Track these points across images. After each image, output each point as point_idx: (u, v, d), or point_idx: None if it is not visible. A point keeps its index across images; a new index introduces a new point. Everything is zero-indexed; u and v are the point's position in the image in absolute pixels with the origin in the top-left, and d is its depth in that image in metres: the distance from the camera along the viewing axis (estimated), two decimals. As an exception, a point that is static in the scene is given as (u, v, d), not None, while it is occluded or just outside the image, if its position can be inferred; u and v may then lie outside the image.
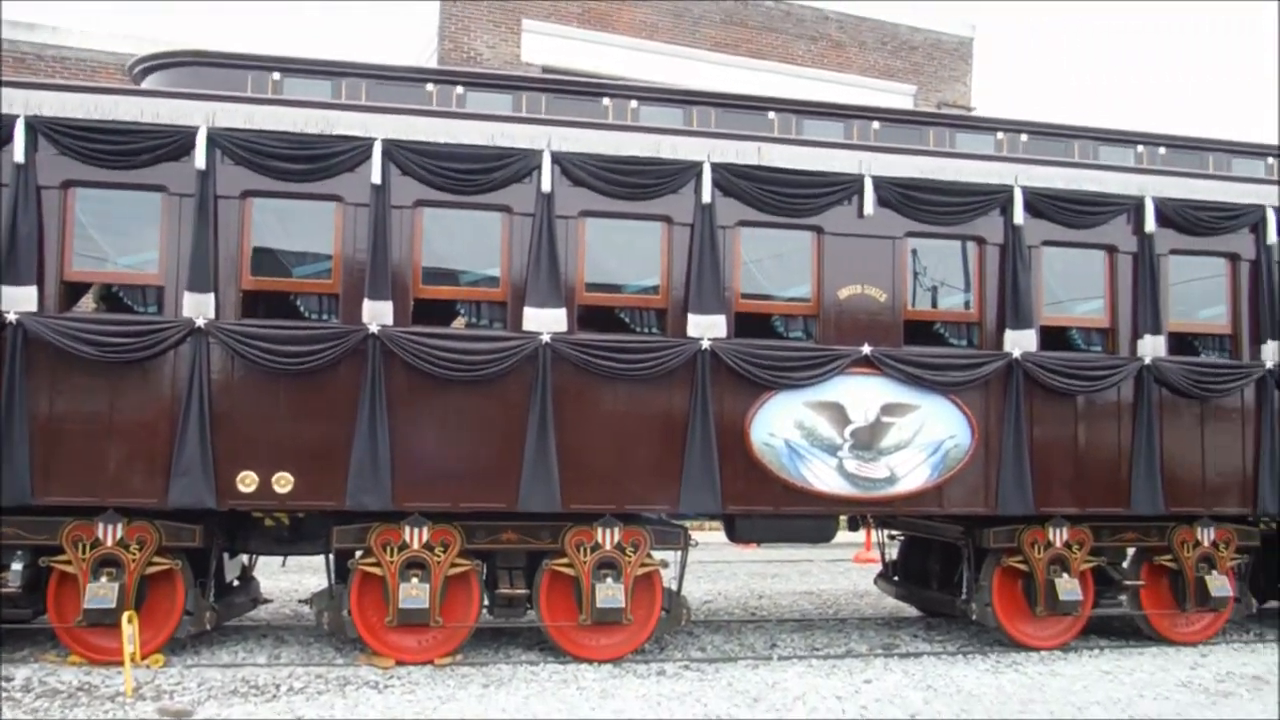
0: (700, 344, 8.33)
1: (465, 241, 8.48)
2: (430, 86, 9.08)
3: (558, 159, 8.18)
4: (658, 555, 8.70)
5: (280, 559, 9.81)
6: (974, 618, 9.29)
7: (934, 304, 9.36)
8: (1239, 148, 10.86)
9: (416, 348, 7.92)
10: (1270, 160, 10.78)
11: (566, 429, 8.18)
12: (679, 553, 8.89)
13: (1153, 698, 7.70)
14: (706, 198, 8.36)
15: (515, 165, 8.14)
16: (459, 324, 8.88)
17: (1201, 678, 8.37)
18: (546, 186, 8.13)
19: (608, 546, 8.43)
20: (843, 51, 22.69)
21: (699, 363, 8.34)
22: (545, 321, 8.12)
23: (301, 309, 8.30)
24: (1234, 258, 9.66)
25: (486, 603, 8.68)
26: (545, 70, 18.99)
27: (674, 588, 8.85)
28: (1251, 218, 9.53)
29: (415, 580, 8.08)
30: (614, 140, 8.26)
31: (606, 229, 8.53)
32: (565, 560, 8.39)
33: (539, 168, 8.14)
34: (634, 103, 9.46)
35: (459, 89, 9.12)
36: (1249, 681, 8.28)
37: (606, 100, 9.44)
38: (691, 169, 8.37)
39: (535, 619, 8.56)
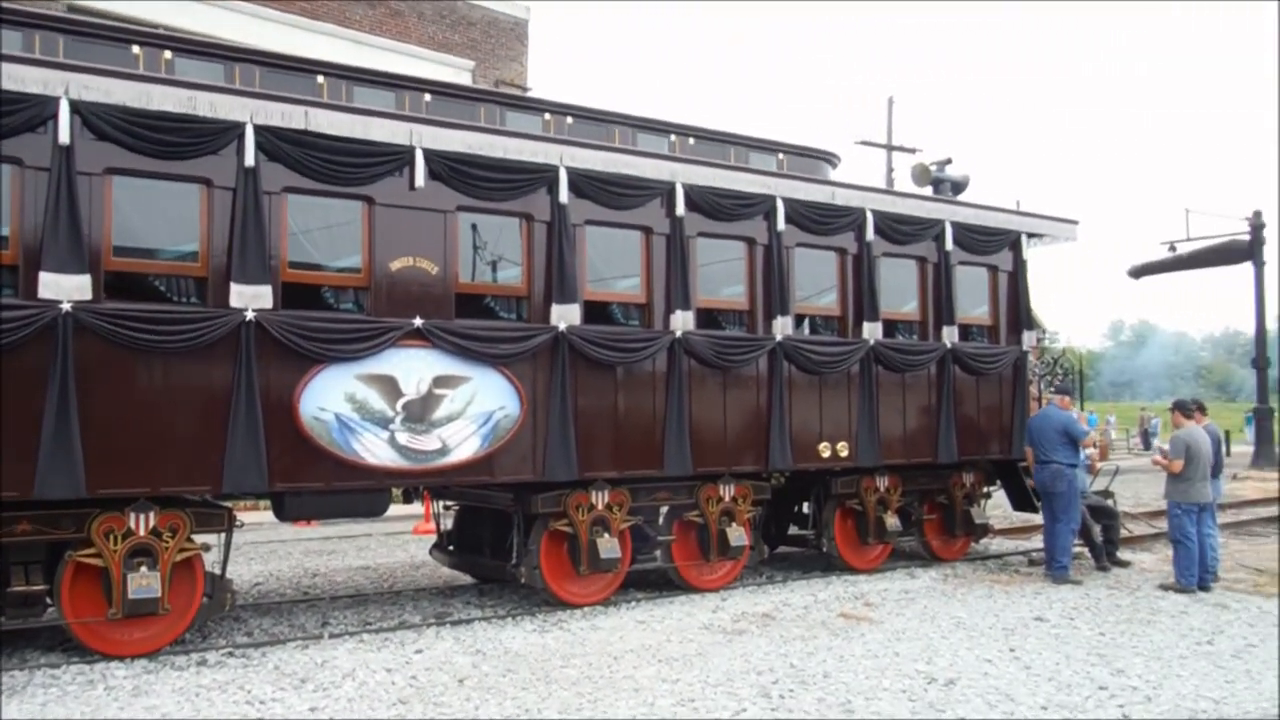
0: (244, 315, 7.94)
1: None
2: (-87, 16, 7.86)
3: (78, 109, 7.40)
4: (200, 539, 8.23)
5: None
6: (524, 581, 9.67)
7: (485, 277, 9.58)
8: (756, 143, 12.10)
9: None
10: (781, 156, 12.10)
11: (93, 407, 7.48)
12: (223, 535, 8.47)
13: (679, 641, 8.44)
14: (249, 161, 7.95)
15: (26, 113, 7.25)
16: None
17: (721, 619, 9.29)
18: (64, 139, 7.33)
19: (142, 533, 7.83)
20: (401, 20, 22.47)
21: (243, 335, 7.94)
22: (65, 289, 7.34)
23: None
24: (751, 242, 10.74)
25: (-4, 603, 7.77)
26: (71, 9, 17.09)
27: (218, 572, 8.42)
28: (765, 206, 10.65)
29: (-100, 584, 7.04)
30: (143, 93, 7.58)
31: (137, 189, 7.87)
32: (93, 550, 7.69)
33: (55, 117, 7.32)
34: (169, 53, 8.77)
35: (-48, 21, 7.98)
36: (759, 619, 9.31)
37: (137, 48, 8.68)
38: (233, 130, 7.91)
39: (57, 617, 7.77)
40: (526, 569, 9.59)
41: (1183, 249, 23.60)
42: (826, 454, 11.13)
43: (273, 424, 8.11)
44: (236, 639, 8.60)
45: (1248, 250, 22.60)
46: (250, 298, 7.96)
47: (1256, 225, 22.37)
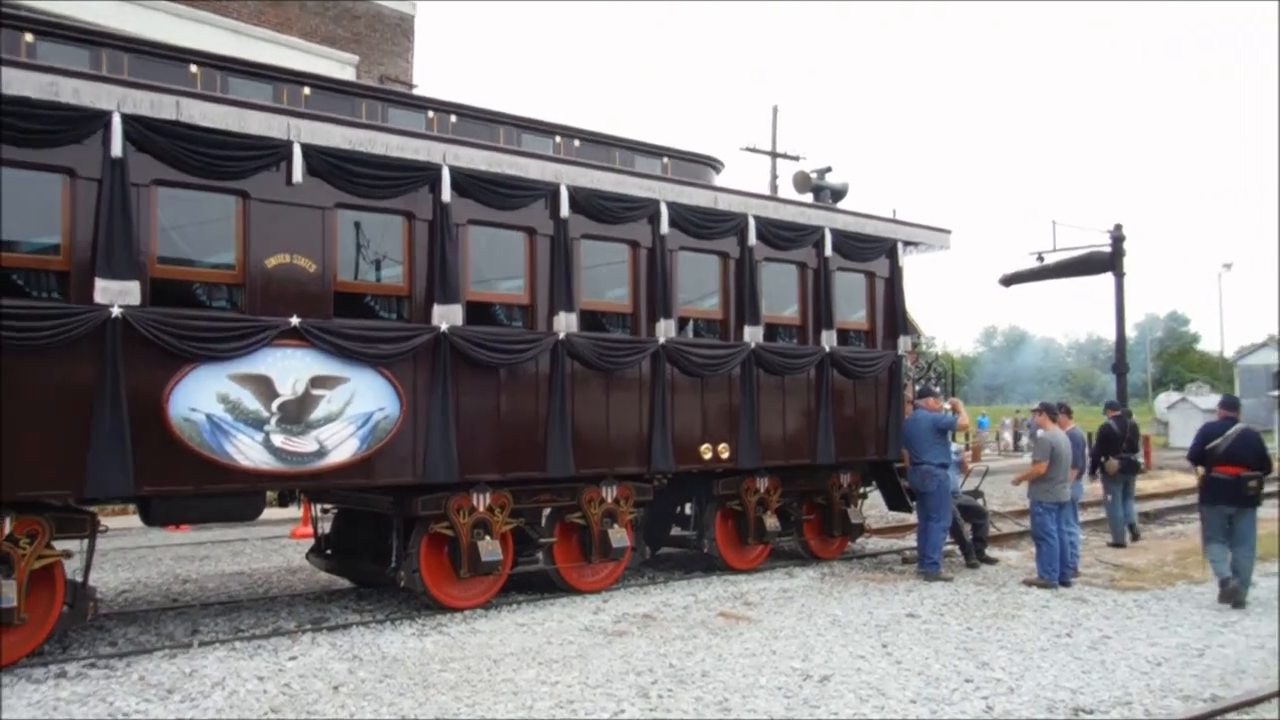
0: (110, 311, 7.64)
1: None
2: None
3: (-73, 93, 7.03)
4: (61, 545, 7.89)
5: None
6: (403, 584, 9.52)
7: (365, 276, 9.41)
8: (641, 146, 12.16)
9: None
10: (665, 160, 12.19)
11: (-58, 407, 7.10)
12: (86, 540, 8.14)
13: (559, 643, 8.42)
14: (116, 151, 7.65)
15: None
16: None
17: (602, 621, 9.30)
18: (-87, 125, 6.97)
19: (-5, 540, 7.47)
20: (282, 11, 21.92)
21: (109, 332, 7.64)
22: (-87, 282, 6.97)
23: None
24: (635, 245, 10.79)
25: None
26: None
27: (80, 579, 8.08)
28: (649, 210, 10.70)
29: None
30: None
31: (-7, 179, 7.50)
32: (-58, 558, 7.32)
33: (-99, 102, 6.94)
34: (30, 36, 8.40)
35: None
36: (640, 620, 9.35)
37: (-7, 32, 8.28)
38: (98, 118, 7.60)
39: (-100, 628, 7.37)
40: (406, 572, 9.45)
41: (1050, 259, 24.52)
42: (708, 455, 11.23)
43: (140, 425, 7.82)
44: (99, 649, 8.28)
45: (1109, 261, 23.58)
46: (116, 294, 7.67)
47: (1117, 238, 23.36)
